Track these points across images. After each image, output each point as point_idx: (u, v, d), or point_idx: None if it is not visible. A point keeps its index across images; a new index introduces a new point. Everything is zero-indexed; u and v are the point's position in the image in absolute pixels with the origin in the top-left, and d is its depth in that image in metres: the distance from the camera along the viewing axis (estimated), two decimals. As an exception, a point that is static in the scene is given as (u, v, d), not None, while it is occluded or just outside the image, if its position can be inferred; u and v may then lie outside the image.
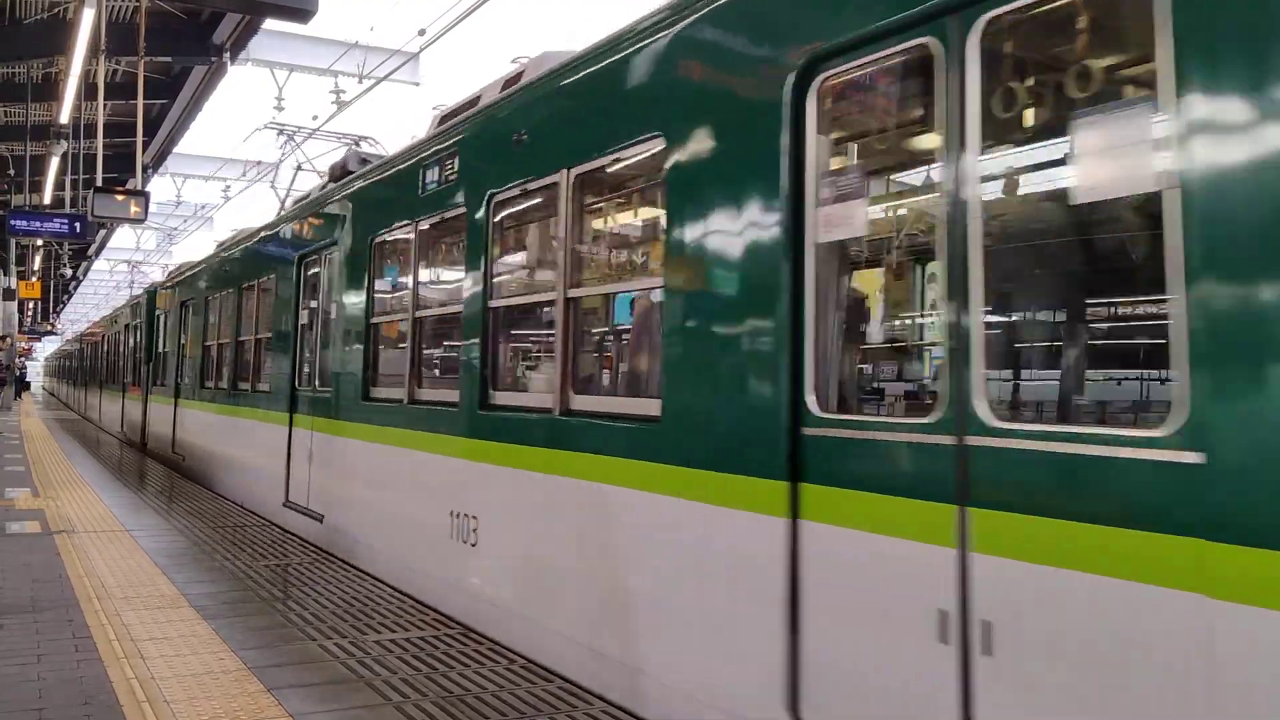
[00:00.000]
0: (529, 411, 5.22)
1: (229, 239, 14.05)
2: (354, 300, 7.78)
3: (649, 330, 4.89)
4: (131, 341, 19.88)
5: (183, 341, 14.93)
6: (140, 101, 14.86)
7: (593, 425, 4.64)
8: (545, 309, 5.60)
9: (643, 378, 4.99)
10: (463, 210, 6.03)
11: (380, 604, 6.08)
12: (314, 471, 8.46)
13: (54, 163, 18.70)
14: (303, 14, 11.93)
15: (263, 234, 11.17)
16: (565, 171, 5.00)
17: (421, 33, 15.40)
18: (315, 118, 15.90)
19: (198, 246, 40.28)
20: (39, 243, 27.05)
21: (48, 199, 22.15)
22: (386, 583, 6.61)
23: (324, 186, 9.72)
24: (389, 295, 7.68)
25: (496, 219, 5.77)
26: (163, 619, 5.55)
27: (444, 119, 7.11)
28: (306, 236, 9.30)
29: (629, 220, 5.55)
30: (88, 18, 12.24)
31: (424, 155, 6.75)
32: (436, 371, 7.04)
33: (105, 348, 25.43)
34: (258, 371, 10.80)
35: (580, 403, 4.87)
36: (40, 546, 7.71)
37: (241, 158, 28.62)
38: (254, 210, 61.54)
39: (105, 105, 14.49)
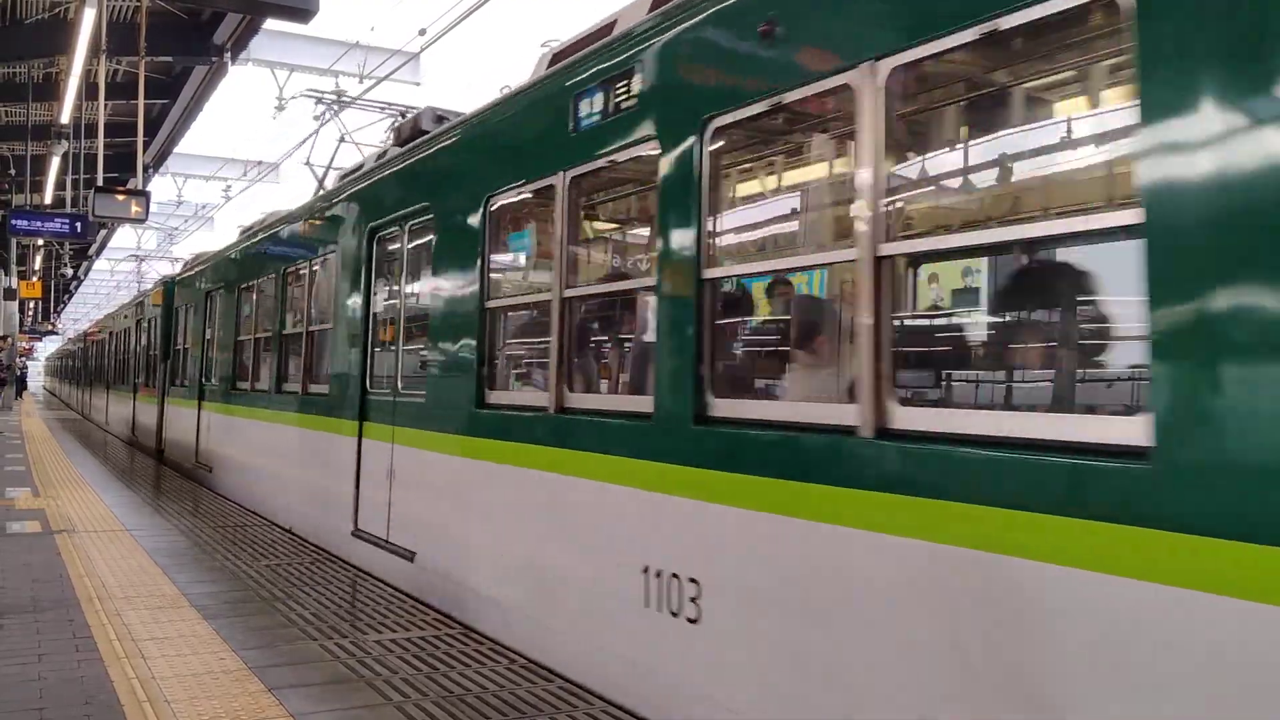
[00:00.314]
0: (795, 430, 3.59)
1: (259, 221, 12.81)
2: (459, 280, 6.12)
3: (1073, 303, 3.46)
4: (144, 338, 18.77)
5: (209, 336, 13.32)
6: (141, 101, 14.86)
7: (956, 458, 2.94)
8: (817, 277, 4.21)
9: (1067, 382, 3.53)
10: (653, 146, 4.43)
11: (380, 604, 6.08)
12: (397, 496, 6.91)
13: (55, 163, 18.71)
14: (303, 14, 11.95)
15: (315, 208, 9.57)
16: (869, 65, 3.30)
17: (422, 33, 15.45)
18: (318, 118, 15.89)
19: (198, 246, 40.33)
20: (40, 242, 27.06)
21: (48, 199, 22.16)
22: (535, 659, 4.97)
23: (381, 155, 8.52)
24: (516, 271, 6.27)
25: (714, 149, 4.14)
26: (163, 619, 5.55)
27: (557, 56, 5.76)
28: (380, 206, 7.71)
29: (1016, 128, 3.92)
30: (88, 18, 12.25)
31: (577, 79, 5.07)
32: (602, 371, 5.64)
33: (112, 345, 24.67)
34: (310, 370, 9.19)
35: (908, 419, 3.17)
36: (41, 546, 7.71)
37: (243, 157, 28.74)
38: (255, 210, 61.57)
39: (106, 105, 14.48)
